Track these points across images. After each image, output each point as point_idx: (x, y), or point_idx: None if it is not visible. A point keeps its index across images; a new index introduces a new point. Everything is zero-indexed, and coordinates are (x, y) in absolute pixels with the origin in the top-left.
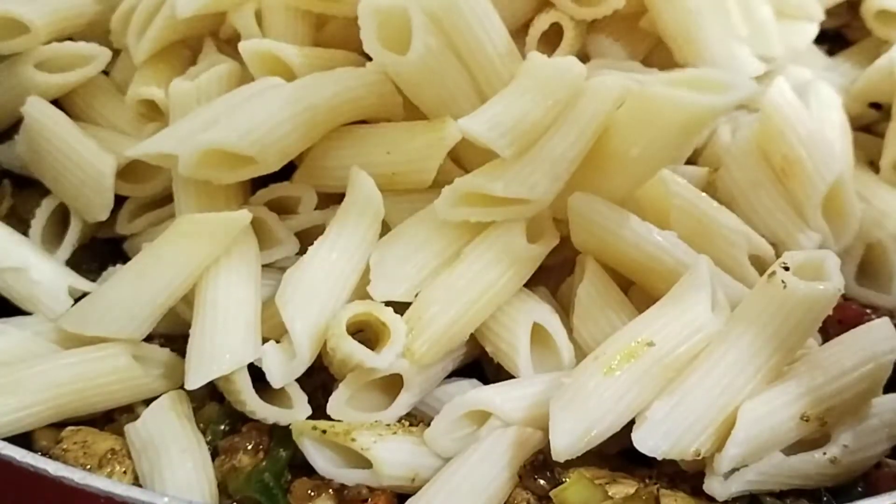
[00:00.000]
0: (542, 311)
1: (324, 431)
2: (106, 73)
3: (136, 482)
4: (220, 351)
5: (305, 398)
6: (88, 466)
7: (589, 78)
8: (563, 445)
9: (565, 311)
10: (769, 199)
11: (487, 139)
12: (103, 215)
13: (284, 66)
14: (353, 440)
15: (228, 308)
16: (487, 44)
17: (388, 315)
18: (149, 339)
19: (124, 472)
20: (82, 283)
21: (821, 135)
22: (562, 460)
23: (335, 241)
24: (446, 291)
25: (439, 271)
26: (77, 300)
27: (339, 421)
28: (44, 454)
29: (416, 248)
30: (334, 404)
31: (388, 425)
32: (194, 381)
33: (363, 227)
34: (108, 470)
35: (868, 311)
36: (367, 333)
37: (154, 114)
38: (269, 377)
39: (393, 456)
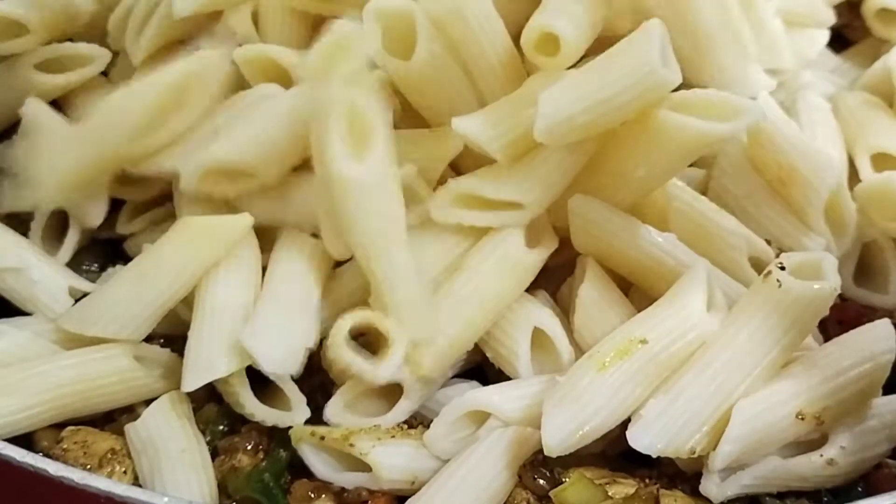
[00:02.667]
0: (541, 315)
1: (322, 437)
2: (105, 74)
3: (136, 482)
4: (217, 353)
5: (304, 400)
6: (88, 466)
7: None
8: (555, 441)
9: (565, 312)
10: (768, 207)
11: (481, 141)
12: (97, 220)
13: (280, 69)
14: (351, 445)
15: (227, 311)
16: (490, 51)
17: (388, 325)
18: (149, 339)
19: (124, 472)
20: (82, 284)
21: (812, 142)
22: (554, 456)
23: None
24: (449, 304)
25: (441, 281)
26: (77, 300)
27: (337, 426)
28: (44, 454)
29: (416, 257)
30: (332, 410)
31: (387, 429)
32: (191, 384)
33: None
34: (108, 470)
35: (868, 311)
36: (368, 337)
37: None
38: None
39: (392, 460)
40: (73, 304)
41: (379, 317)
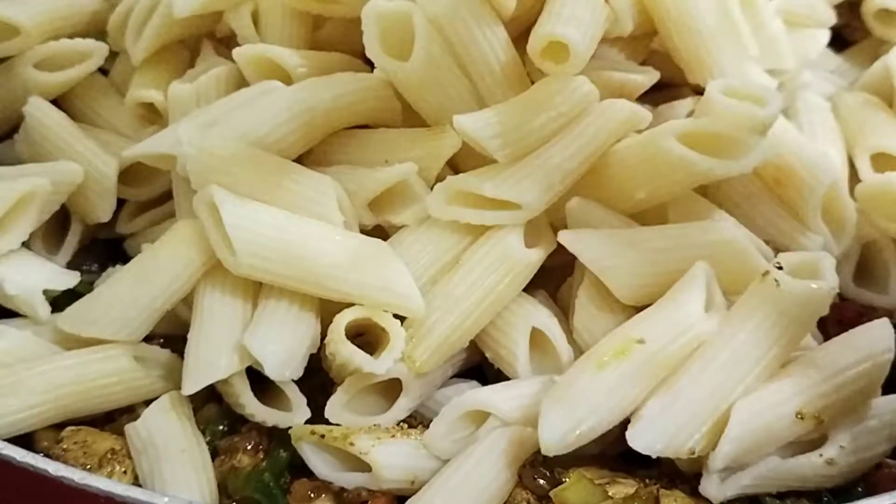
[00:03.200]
0: (540, 316)
1: (322, 436)
2: (105, 73)
3: (136, 482)
4: (216, 356)
5: (304, 401)
6: (88, 466)
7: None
8: (552, 441)
9: (565, 312)
10: (767, 209)
11: (481, 138)
12: (106, 216)
13: (280, 69)
14: (351, 444)
15: (227, 312)
16: (489, 51)
17: (387, 320)
18: (149, 339)
19: (124, 472)
20: (60, 280)
21: (809, 141)
22: (550, 455)
23: None
24: (446, 299)
25: (438, 278)
26: (76, 297)
27: (337, 425)
28: (44, 454)
29: (414, 256)
30: (332, 408)
31: (387, 428)
32: (191, 386)
33: None
34: (108, 470)
35: (868, 311)
36: (367, 337)
37: (154, 116)
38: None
39: (392, 459)
40: (72, 302)
41: (377, 312)
